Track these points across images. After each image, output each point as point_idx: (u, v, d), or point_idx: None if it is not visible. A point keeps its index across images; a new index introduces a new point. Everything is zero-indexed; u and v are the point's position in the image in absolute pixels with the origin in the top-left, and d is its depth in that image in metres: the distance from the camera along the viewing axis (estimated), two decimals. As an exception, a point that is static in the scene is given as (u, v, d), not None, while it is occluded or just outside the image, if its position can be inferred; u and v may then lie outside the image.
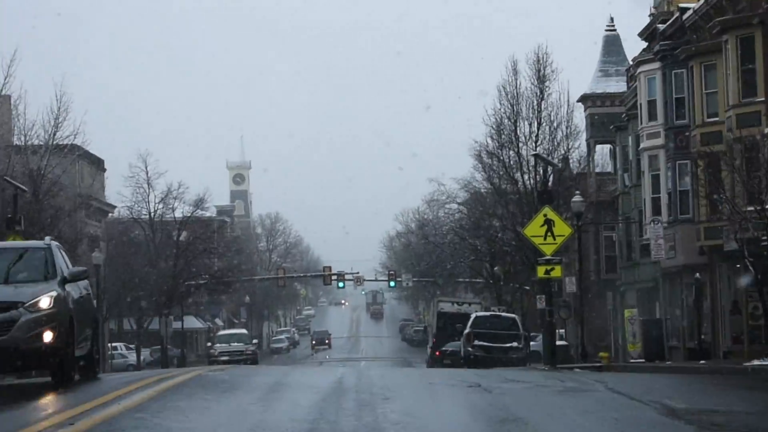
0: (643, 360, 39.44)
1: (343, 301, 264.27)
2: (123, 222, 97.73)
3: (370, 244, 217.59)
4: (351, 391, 17.38)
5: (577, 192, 53.87)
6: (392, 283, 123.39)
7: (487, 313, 60.39)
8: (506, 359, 54.72)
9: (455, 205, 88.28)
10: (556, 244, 42.45)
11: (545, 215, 42.49)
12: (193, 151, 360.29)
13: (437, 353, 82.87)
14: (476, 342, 54.40)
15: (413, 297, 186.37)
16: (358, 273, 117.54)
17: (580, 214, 52.74)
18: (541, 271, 42.44)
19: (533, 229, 42.69)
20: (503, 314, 60.64)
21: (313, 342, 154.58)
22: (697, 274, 41.00)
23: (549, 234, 42.26)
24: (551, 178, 52.87)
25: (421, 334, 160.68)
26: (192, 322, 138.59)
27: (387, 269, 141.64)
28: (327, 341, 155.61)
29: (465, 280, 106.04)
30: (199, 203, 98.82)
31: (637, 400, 16.55)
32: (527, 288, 78.80)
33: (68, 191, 73.47)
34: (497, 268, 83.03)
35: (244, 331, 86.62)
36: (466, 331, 55.62)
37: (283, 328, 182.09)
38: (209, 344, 78.89)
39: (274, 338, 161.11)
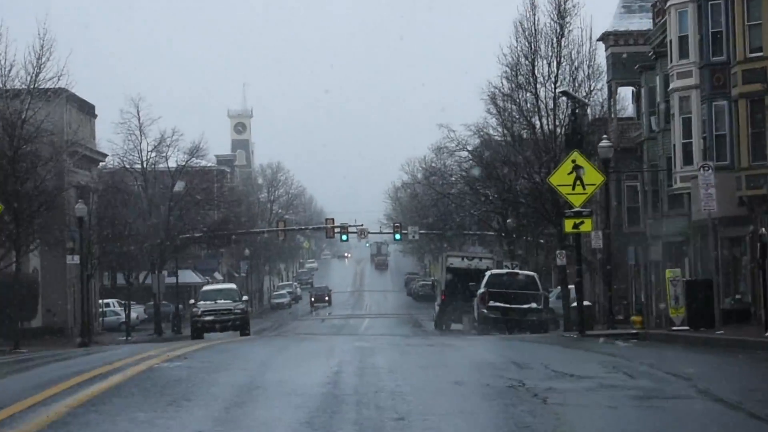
0: (687, 327, 34.20)
1: (346, 254, 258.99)
2: (114, 172, 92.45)
3: (374, 196, 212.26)
4: (350, 402, 12.31)
5: (605, 136, 48.50)
6: (397, 236, 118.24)
7: (503, 271, 55.28)
8: (524, 322, 49.81)
9: (465, 153, 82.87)
10: (585, 194, 37.32)
11: (574, 161, 37.33)
12: (193, 100, 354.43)
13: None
14: (492, 303, 49.42)
15: (419, 250, 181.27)
16: (362, 225, 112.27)
17: (608, 161, 47.47)
18: (569, 224, 37.25)
19: (560, 177, 37.49)
20: (521, 272, 55.52)
21: (312, 299, 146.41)
22: (763, 229, 35.79)
23: (578, 183, 37.09)
24: (577, 120, 47.29)
25: (428, 289, 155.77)
26: (189, 277, 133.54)
27: (392, 221, 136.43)
28: (327, 298, 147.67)
29: (475, 233, 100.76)
30: (194, 151, 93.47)
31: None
32: (541, 242, 73.70)
33: (52, 138, 68.22)
34: (510, 221, 77.75)
35: (232, 286, 73.50)
36: (481, 290, 50.57)
37: (284, 282, 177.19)
38: (192, 301, 65.75)
39: (275, 293, 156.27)
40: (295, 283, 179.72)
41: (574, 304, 52.52)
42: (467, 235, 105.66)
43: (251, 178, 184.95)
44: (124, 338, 73.55)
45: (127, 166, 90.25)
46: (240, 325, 60.15)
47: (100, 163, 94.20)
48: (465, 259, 79.86)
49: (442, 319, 79.02)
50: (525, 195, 66.76)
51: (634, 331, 36.67)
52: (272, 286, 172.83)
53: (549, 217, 60.08)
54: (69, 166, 79.97)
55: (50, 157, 63.12)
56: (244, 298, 64.07)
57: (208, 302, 61.34)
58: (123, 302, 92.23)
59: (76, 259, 63.07)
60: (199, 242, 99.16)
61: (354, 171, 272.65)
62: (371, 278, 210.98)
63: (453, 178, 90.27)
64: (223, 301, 61.36)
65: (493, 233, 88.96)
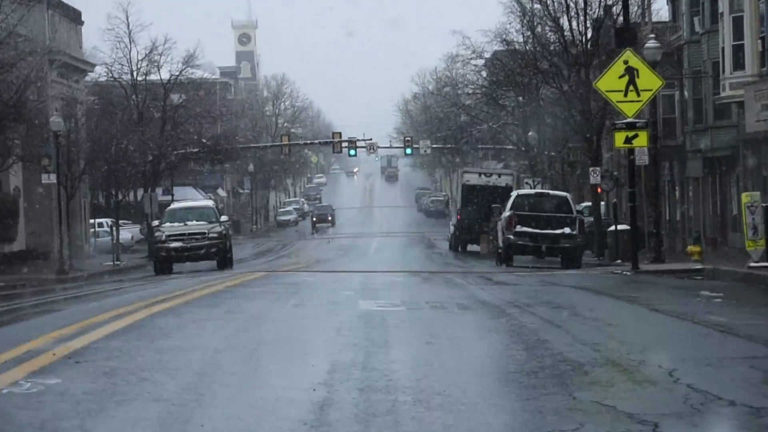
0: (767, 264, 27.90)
1: (354, 170, 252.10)
2: (104, 84, 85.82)
3: (384, 110, 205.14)
4: None
5: (652, 35, 41.83)
6: (408, 151, 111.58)
7: (531, 191, 48.82)
8: (557, 249, 43.56)
9: (482, 61, 76.02)
10: (641, 101, 30.92)
11: (626, 62, 30.83)
12: (195, 9, 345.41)
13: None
14: (519, 228, 43.09)
15: (430, 165, 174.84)
16: (371, 139, 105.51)
17: (656, 65, 40.70)
18: (619, 138, 30.81)
19: (609, 81, 31.03)
20: (552, 192, 49.06)
21: (314, 219, 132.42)
22: None
23: (631, 88, 30.66)
24: (626, 12, 40.47)
25: (439, 205, 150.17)
26: (191, 194, 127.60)
27: (402, 135, 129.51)
28: (330, 218, 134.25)
29: (492, 147, 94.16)
30: (189, 60, 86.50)
31: None
32: (566, 157, 67.32)
33: (28, 43, 61.82)
34: (531, 133, 71.20)
35: (208, 203, 58.67)
36: (506, 213, 44.19)
37: (291, 199, 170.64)
38: (156, 223, 53.03)
39: (280, 210, 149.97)
40: (303, 199, 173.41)
41: (610, 228, 46.23)
42: (482, 150, 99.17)
43: (256, 91, 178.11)
44: (111, 264, 67.50)
45: (115, 77, 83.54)
46: (217, 253, 48.25)
47: (89, 75, 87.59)
48: (482, 176, 73.56)
49: (457, 240, 73.28)
50: (551, 104, 60.36)
51: (698, 267, 30.35)
52: (279, 202, 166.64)
53: (578, 129, 53.74)
54: (51, 76, 73.80)
55: (11, 61, 56.55)
56: (223, 218, 51.24)
57: (175, 224, 49.00)
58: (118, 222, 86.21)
59: (53, 177, 56.80)
60: (197, 158, 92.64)
61: (363, 85, 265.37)
62: (381, 193, 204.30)
63: (469, 89, 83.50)
64: (195, 222, 48.90)
65: (511, 147, 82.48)
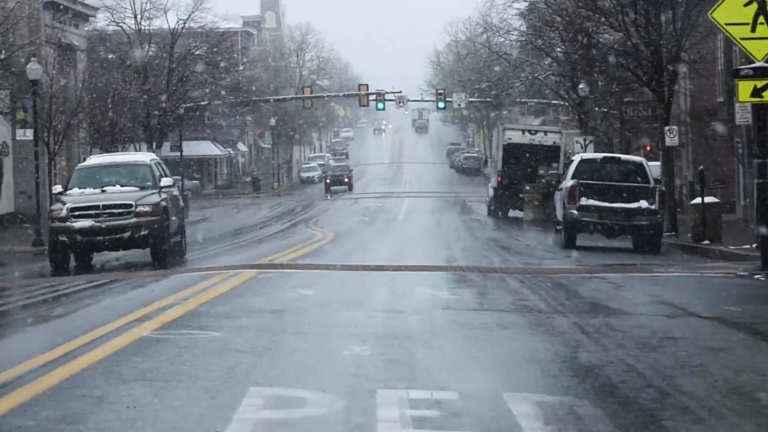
0: None
1: (382, 126, 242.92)
2: (103, 33, 77.60)
3: (414, 63, 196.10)
4: None
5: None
6: (441, 104, 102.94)
7: (598, 155, 40.35)
8: (630, 227, 35.39)
9: (526, 3, 67.32)
10: (773, 38, 22.47)
11: (754, -16, 22.44)
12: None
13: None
14: (584, 200, 34.88)
15: (462, 120, 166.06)
16: (400, 92, 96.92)
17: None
18: (744, 90, 22.32)
19: (730, 11, 22.60)
20: (624, 157, 40.61)
21: (327, 181, 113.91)
22: None
23: (761, 20, 22.31)
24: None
25: (473, 162, 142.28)
26: (208, 149, 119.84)
27: (434, 88, 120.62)
28: (347, 180, 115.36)
29: (539, 101, 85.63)
30: (198, 3, 78.13)
31: None
32: (629, 112, 58.89)
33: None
34: (582, 86, 62.62)
35: (140, 158, 34.37)
36: (568, 182, 35.90)
37: (316, 154, 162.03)
38: (57, 189, 32.52)
39: (304, 165, 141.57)
40: (328, 155, 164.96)
41: (696, 200, 37.80)
42: (523, 104, 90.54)
43: (280, 42, 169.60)
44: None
45: (117, 22, 75.37)
46: (149, 236, 30.44)
47: (91, 22, 79.45)
48: (527, 133, 65.32)
49: (498, 205, 65.42)
50: (608, 51, 51.80)
51: None
52: (303, 157, 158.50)
53: (648, 80, 45.28)
54: (45, 19, 66.01)
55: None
56: (165, 182, 31.93)
57: (86, 192, 31.21)
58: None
59: (29, 133, 48.86)
60: (210, 110, 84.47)
61: (393, 36, 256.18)
62: (410, 149, 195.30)
63: (510, 36, 74.87)
64: (117, 189, 31.18)
65: (559, 102, 73.87)
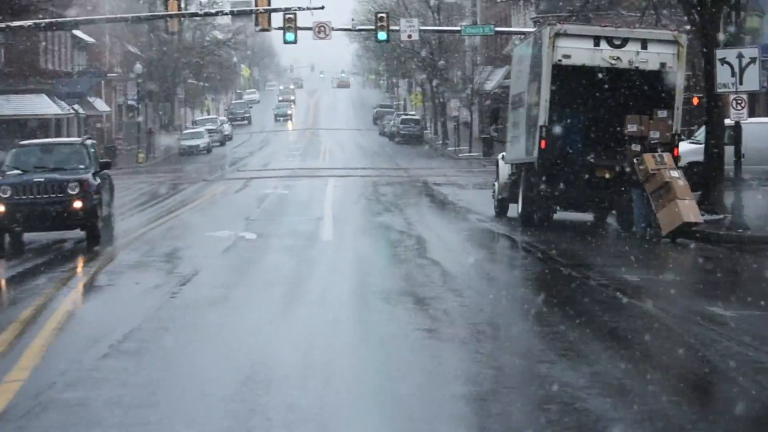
0: None
1: (292, 85, 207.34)
2: None
3: None
4: None
5: None
6: (382, 35, 66.85)
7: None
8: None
9: None
10: None
11: None
12: None
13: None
14: None
15: (388, 80, 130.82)
16: (322, 7, 60.17)
17: None
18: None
19: None
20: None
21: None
22: None
23: None
24: None
25: (415, 128, 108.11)
26: (41, 105, 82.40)
27: (374, 15, 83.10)
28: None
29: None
30: None
31: None
32: None
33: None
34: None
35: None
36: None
37: (204, 117, 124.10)
38: None
39: (185, 132, 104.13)
40: (224, 119, 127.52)
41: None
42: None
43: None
44: None
45: None
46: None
47: None
48: (605, 44, 30.50)
49: (536, 200, 31.98)
50: None
51: None
52: (188, 122, 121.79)
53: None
54: None
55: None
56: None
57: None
58: None
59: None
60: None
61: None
62: (329, 113, 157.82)
63: None
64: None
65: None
